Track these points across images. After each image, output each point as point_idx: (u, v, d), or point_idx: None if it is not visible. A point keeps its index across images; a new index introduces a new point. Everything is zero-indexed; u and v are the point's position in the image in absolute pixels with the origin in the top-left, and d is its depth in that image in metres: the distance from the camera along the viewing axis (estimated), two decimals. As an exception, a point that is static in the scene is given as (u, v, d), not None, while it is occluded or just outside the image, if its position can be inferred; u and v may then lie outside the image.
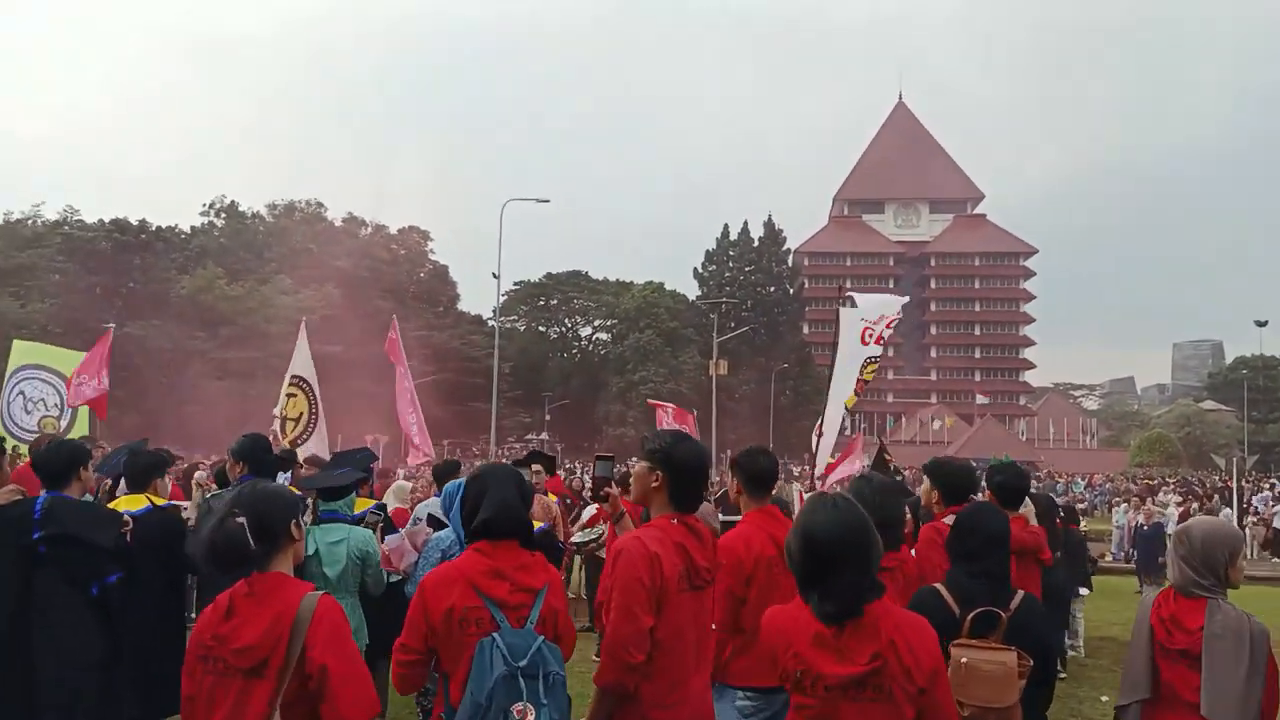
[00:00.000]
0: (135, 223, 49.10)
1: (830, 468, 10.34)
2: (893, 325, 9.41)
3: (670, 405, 15.39)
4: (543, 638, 2.84)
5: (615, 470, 4.09)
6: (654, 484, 3.25)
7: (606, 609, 3.05)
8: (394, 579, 5.02)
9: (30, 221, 42.05)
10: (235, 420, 43.50)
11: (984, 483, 5.45)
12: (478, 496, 3.04)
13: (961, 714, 3.06)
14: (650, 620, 3.01)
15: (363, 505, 5.55)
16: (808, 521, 2.69)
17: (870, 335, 9.42)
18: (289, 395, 11.67)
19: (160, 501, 5.11)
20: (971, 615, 3.31)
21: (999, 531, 3.60)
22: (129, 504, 4.92)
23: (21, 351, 13.45)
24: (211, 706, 2.60)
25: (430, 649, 2.89)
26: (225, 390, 45.56)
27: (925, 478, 4.98)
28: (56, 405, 12.98)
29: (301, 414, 11.56)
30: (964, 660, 3.21)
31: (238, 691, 2.58)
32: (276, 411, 11.57)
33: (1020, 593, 3.53)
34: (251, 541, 2.65)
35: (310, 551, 4.73)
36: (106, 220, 48.34)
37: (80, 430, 13.16)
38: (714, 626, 3.50)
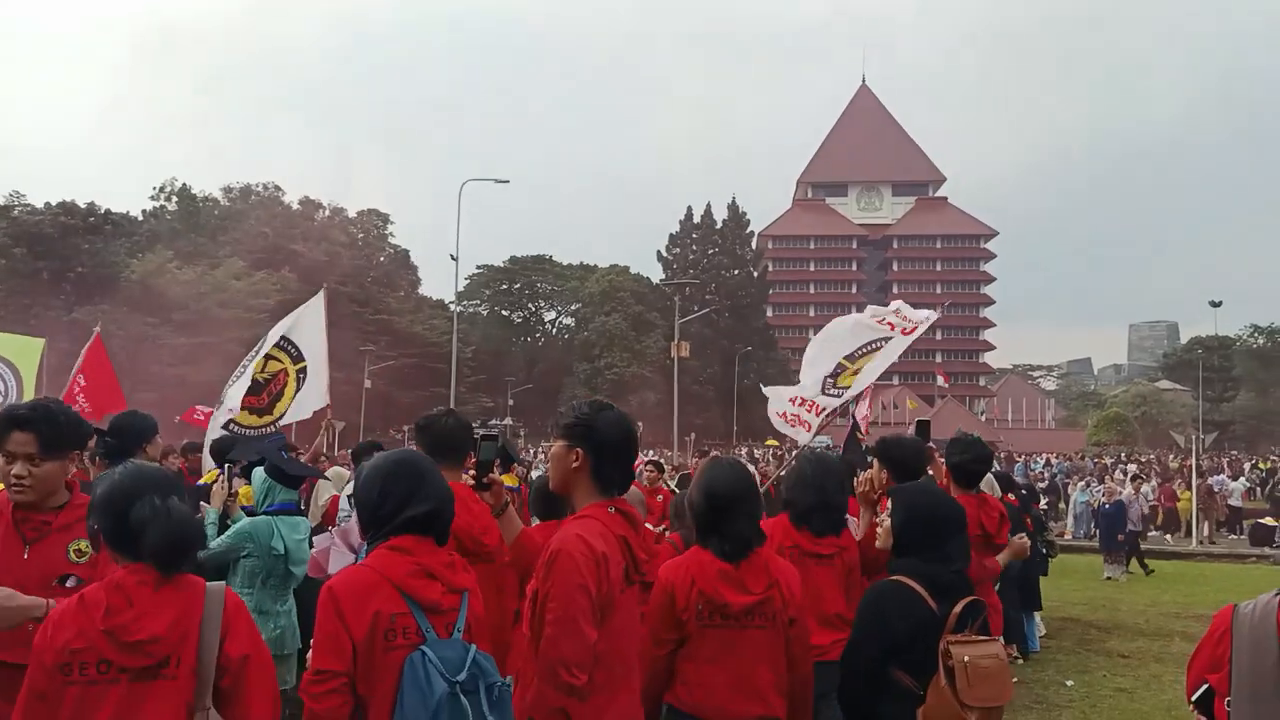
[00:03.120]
0: (84, 206, 47.78)
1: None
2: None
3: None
4: (474, 646, 2.46)
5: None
6: (574, 464, 2.76)
7: (533, 622, 2.59)
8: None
9: (-27, 205, 40.82)
10: (187, 407, 42.83)
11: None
12: (410, 484, 2.55)
13: (968, 718, 2.80)
14: (595, 634, 2.56)
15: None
16: (709, 477, 3.21)
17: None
18: (269, 357, 9.61)
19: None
20: (961, 607, 2.93)
21: (957, 513, 3.25)
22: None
23: (-34, 339, 12.95)
24: None
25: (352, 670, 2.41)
26: (177, 377, 44.60)
27: (873, 458, 4.66)
28: (2, 392, 12.56)
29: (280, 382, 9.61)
30: (966, 659, 2.83)
31: (117, 701, 2.18)
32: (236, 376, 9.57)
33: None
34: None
35: (280, 550, 4.38)
36: (53, 203, 47.02)
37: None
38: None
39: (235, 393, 8.46)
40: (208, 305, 46.54)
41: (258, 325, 49.56)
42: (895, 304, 8.47)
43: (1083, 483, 26.28)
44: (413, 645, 2.38)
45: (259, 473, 4.71)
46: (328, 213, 69.61)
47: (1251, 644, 2.45)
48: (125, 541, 2.32)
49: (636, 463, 14.29)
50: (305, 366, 9.18)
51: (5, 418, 2.93)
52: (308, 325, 9.57)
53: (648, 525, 7.22)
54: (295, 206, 66.80)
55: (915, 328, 8.27)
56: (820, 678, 3.79)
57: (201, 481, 6.58)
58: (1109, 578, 15.82)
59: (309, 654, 2.46)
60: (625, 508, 2.79)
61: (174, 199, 62.24)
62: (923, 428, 5.23)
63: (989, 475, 7.19)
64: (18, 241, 43.15)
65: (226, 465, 5.65)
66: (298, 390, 8.89)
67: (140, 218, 56.42)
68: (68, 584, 2.78)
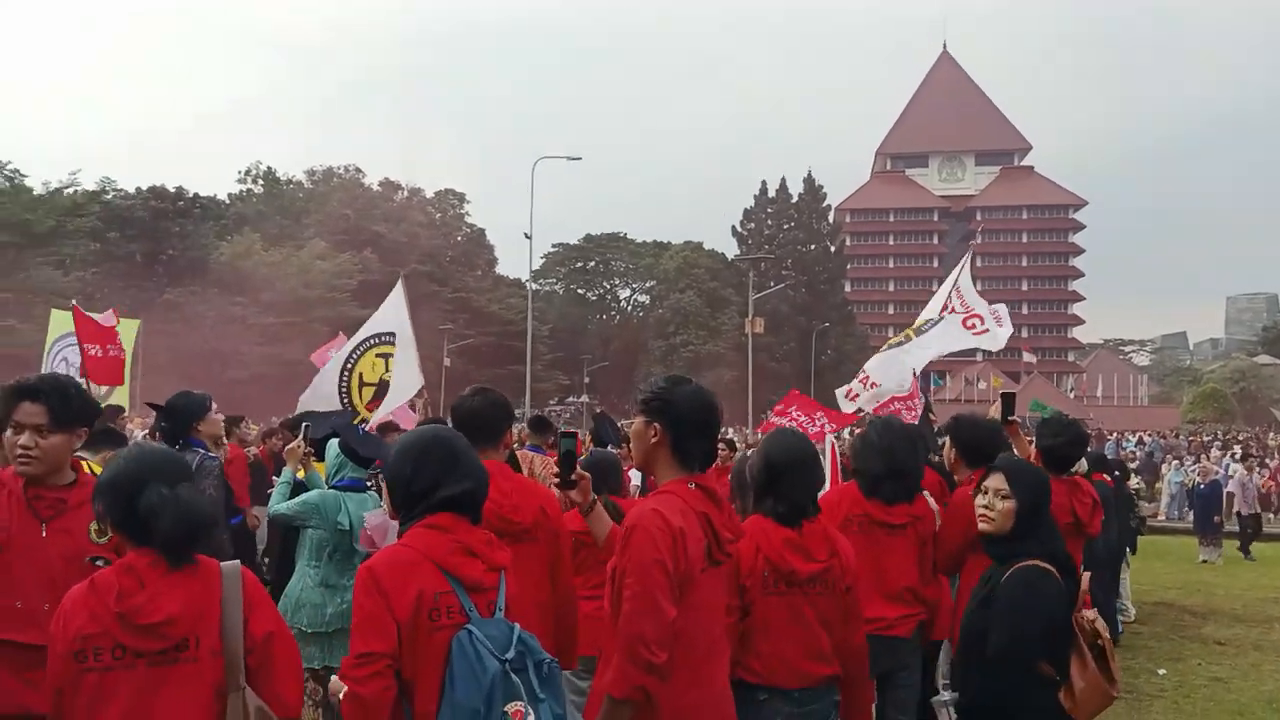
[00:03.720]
0: (173, 190, 49.40)
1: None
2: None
3: None
4: (517, 625, 2.39)
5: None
6: (653, 439, 2.70)
7: (614, 600, 2.55)
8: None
9: (68, 190, 42.31)
10: (276, 386, 44.14)
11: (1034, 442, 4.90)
12: (444, 462, 2.48)
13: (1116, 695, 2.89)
14: (674, 611, 2.50)
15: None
16: (768, 444, 3.32)
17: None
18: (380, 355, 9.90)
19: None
20: (1087, 581, 3.03)
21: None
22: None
23: (60, 320, 13.47)
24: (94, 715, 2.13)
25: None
26: (267, 356, 45.96)
27: (946, 438, 4.46)
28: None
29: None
30: (1106, 636, 2.91)
31: (136, 686, 2.13)
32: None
33: None
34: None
35: (345, 525, 4.35)
36: (143, 188, 48.69)
37: (121, 395, 13.18)
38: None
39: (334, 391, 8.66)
40: (293, 285, 47.83)
41: (341, 305, 50.89)
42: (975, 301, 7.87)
43: (1176, 461, 25.22)
44: (457, 625, 2.31)
45: (333, 446, 4.71)
46: (406, 193, 70.78)
47: None
48: (134, 528, 2.25)
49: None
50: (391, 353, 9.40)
51: (15, 389, 2.86)
52: (393, 315, 9.70)
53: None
54: (375, 188, 68.09)
55: (976, 323, 7.74)
56: (884, 654, 3.66)
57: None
58: (1204, 560, 15.15)
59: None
60: (708, 484, 2.71)
61: (259, 182, 63.93)
62: (1008, 402, 4.83)
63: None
64: (110, 225, 44.78)
65: (305, 426, 5.68)
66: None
67: (227, 201, 58.06)
68: (98, 564, 2.70)
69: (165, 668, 2.16)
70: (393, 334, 9.41)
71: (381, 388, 8.90)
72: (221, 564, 2.31)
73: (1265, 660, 7.83)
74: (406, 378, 8.95)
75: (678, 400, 2.70)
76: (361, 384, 9.07)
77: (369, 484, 4.78)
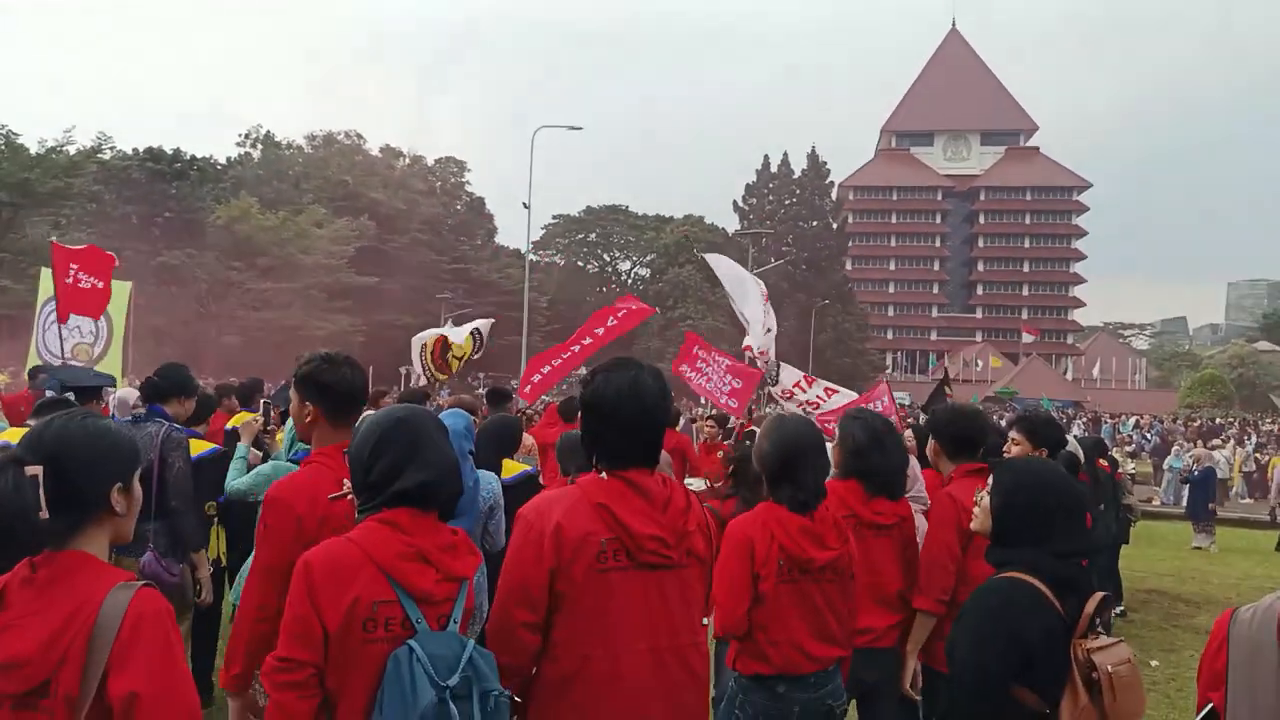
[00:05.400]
0: (170, 151, 48.86)
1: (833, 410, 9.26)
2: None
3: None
4: (472, 642, 2.15)
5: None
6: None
7: None
8: None
9: (65, 149, 41.81)
10: (271, 351, 43.96)
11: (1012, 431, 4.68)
12: (404, 451, 2.25)
13: None
14: (526, 615, 2.29)
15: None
16: (779, 431, 3.21)
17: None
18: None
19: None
20: (1094, 605, 2.42)
21: (1072, 494, 2.64)
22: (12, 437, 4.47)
23: (49, 280, 13.29)
24: None
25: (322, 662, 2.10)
26: (262, 321, 45.70)
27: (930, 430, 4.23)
28: (91, 333, 12.86)
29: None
30: (1110, 668, 2.33)
31: None
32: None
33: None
34: (44, 508, 1.74)
35: None
36: (140, 150, 48.16)
37: (113, 360, 13.03)
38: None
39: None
40: (290, 251, 47.47)
41: (337, 271, 50.62)
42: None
43: (1176, 447, 25.16)
44: (395, 638, 2.08)
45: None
46: (408, 160, 70.21)
47: (1250, 655, 2.06)
48: None
49: (699, 419, 14.02)
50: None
51: None
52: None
53: (707, 482, 6.91)
54: (376, 154, 67.52)
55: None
56: (874, 665, 3.48)
57: (230, 425, 6.53)
58: (1197, 547, 15.07)
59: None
60: (633, 476, 2.41)
61: (259, 146, 63.35)
62: (939, 394, 4.67)
63: (1071, 440, 6.66)
64: (107, 186, 44.34)
65: (265, 404, 5.56)
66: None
67: (225, 164, 57.56)
68: None
69: (26, 714, 1.72)
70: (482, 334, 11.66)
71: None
72: (113, 587, 1.78)
73: (1259, 653, 7.71)
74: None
75: (594, 398, 2.47)
76: (450, 355, 11.19)
77: None
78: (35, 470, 1.75)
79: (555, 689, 2.32)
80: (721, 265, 10.91)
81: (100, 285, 11.09)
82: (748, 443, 5.84)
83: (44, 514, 1.74)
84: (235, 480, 4.43)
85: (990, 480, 2.71)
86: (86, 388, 5.92)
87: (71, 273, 10.68)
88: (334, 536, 2.23)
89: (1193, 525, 15.78)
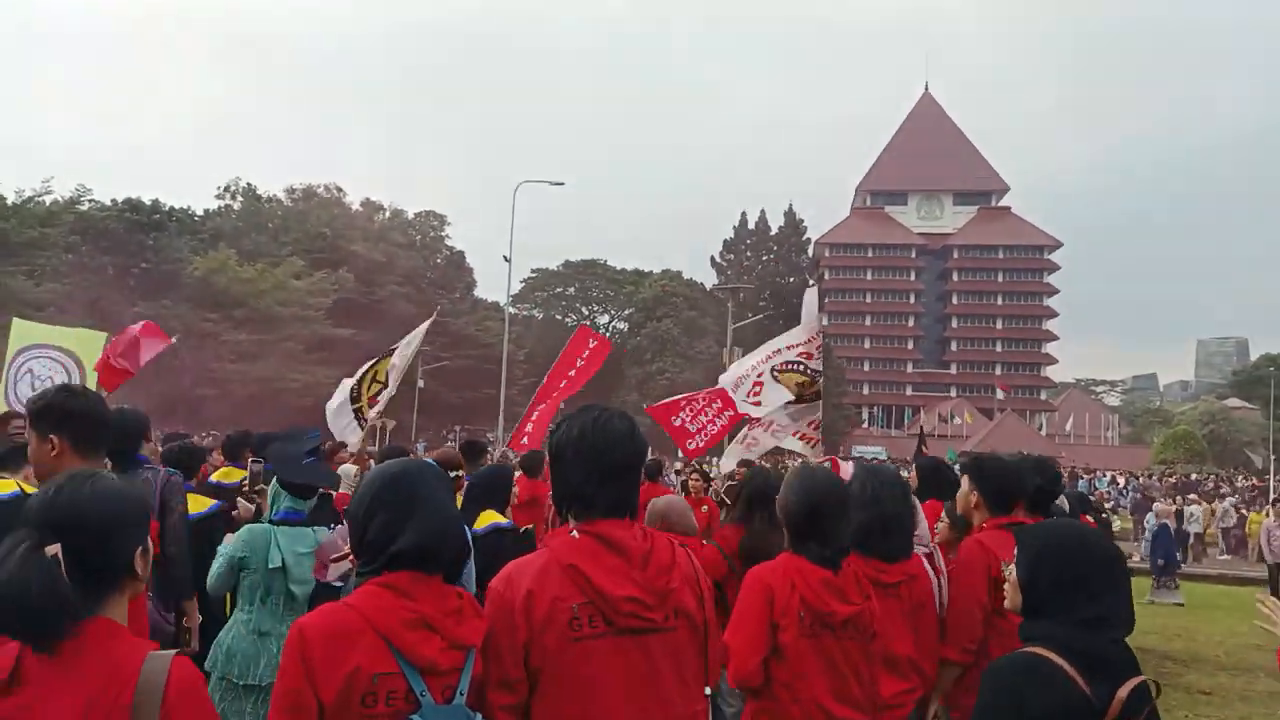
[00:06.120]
0: (149, 203, 48.74)
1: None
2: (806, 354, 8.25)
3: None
4: (479, 716, 2.00)
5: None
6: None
7: None
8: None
9: (42, 199, 41.62)
10: (246, 403, 43.49)
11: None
12: (400, 509, 2.08)
13: None
14: (506, 698, 2.10)
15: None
16: (808, 483, 3.08)
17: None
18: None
19: (30, 489, 4.54)
20: (1127, 691, 2.14)
21: (1111, 560, 2.36)
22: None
23: (22, 330, 13.17)
24: None
25: None
26: (238, 373, 45.25)
27: (964, 478, 4.00)
28: (65, 383, 12.73)
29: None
30: None
31: None
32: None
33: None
34: (67, 586, 1.64)
35: (275, 564, 3.89)
36: (119, 200, 48.03)
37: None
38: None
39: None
40: (268, 303, 47.22)
41: (315, 323, 50.39)
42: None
43: (1156, 504, 25.30)
44: (398, 713, 1.91)
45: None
46: (388, 214, 70.43)
47: None
48: None
49: (685, 472, 13.92)
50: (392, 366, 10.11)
51: None
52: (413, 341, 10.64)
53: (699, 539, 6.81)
54: (356, 208, 67.70)
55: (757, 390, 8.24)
56: None
57: (214, 479, 6.39)
58: (1151, 601, 14.92)
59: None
60: (604, 530, 2.22)
61: (238, 198, 63.35)
62: (918, 452, 4.58)
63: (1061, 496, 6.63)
64: (83, 236, 44.10)
65: (253, 462, 5.42)
66: (383, 389, 9.45)
67: (204, 216, 57.46)
68: None
69: None
70: (393, 349, 10.50)
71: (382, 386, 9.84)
72: (148, 657, 1.71)
73: (1254, 713, 7.67)
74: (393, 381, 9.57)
75: (558, 446, 2.33)
76: (373, 381, 9.92)
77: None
78: (54, 549, 1.65)
79: None
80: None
81: (129, 368, 11.54)
82: (763, 466, 5.75)
83: (67, 591, 1.64)
84: (213, 580, 4.08)
85: (1016, 547, 2.48)
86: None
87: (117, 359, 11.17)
88: (330, 602, 2.09)
89: (1154, 580, 15.68)
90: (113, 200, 48.33)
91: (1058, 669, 2.16)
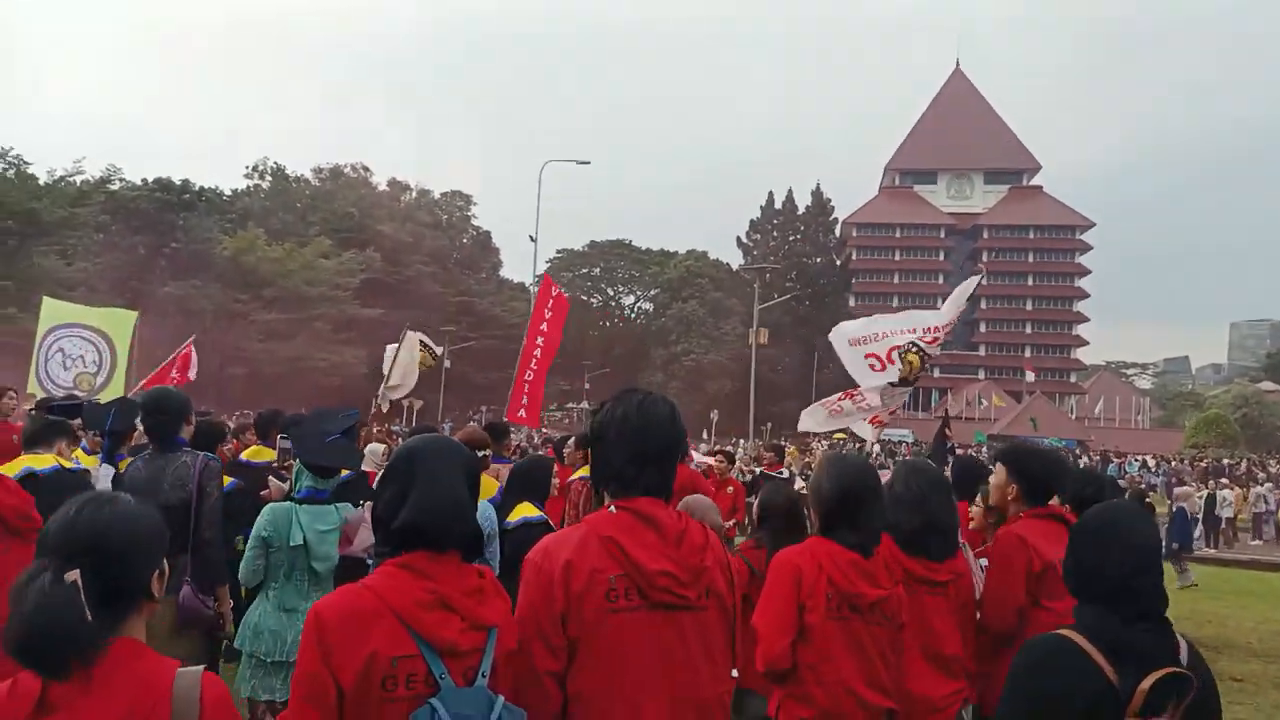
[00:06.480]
0: (178, 182, 49.17)
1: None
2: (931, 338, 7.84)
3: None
4: (502, 698, 1.95)
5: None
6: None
7: None
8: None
9: (73, 179, 42.07)
10: (274, 382, 43.90)
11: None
12: (406, 481, 2.06)
13: None
14: (551, 664, 2.13)
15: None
16: (839, 471, 3.06)
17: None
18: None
19: (68, 464, 4.55)
20: (1151, 681, 2.07)
21: (1153, 546, 2.31)
22: (34, 463, 4.32)
23: (52, 309, 13.33)
24: None
25: None
26: (266, 352, 45.70)
27: (1000, 467, 3.81)
28: (95, 362, 12.89)
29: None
30: None
31: None
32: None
33: (1183, 639, 2.23)
34: (87, 612, 1.63)
35: (297, 542, 3.96)
36: (149, 180, 48.45)
37: (115, 389, 12.99)
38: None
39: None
40: (296, 283, 47.63)
41: (342, 303, 50.73)
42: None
43: (1185, 487, 24.99)
44: (418, 696, 1.88)
45: None
46: (414, 194, 70.67)
47: None
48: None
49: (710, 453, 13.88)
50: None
51: None
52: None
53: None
54: (383, 188, 67.97)
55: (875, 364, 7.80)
56: None
57: (244, 457, 6.41)
58: (1181, 586, 14.74)
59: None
60: (644, 507, 2.26)
61: (267, 178, 63.75)
62: (940, 436, 4.44)
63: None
64: (114, 216, 44.57)
65: (281, 439, 5.40)
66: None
67: (233, 195, 57.91)
68: None
69: None
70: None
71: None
72: (178, 675, 1.72)
73: (1287, 700, 7.53)
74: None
75: (600, 425, 2.38)
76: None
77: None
78: (74, 575, 1.65)
79: None
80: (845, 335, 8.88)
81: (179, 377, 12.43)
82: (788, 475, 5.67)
83: (88, 617, 1.64)
84: (244, 571, 4.15)
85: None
86: (68, 408, 5.68)
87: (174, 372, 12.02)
88: (349, 584, 2.06)
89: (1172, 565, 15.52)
90: (143, 180, 48.82)
91: (1081, 653, 2.15)
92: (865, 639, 2.91)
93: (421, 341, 12.14)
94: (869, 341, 7.81)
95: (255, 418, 7.98)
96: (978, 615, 3.56)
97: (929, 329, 7.63)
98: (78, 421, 5.40)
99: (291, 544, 3.97)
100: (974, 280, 8.29)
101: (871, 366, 7.75)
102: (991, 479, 3.94)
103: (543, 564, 2.17)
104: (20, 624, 1.60)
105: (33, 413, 6.53)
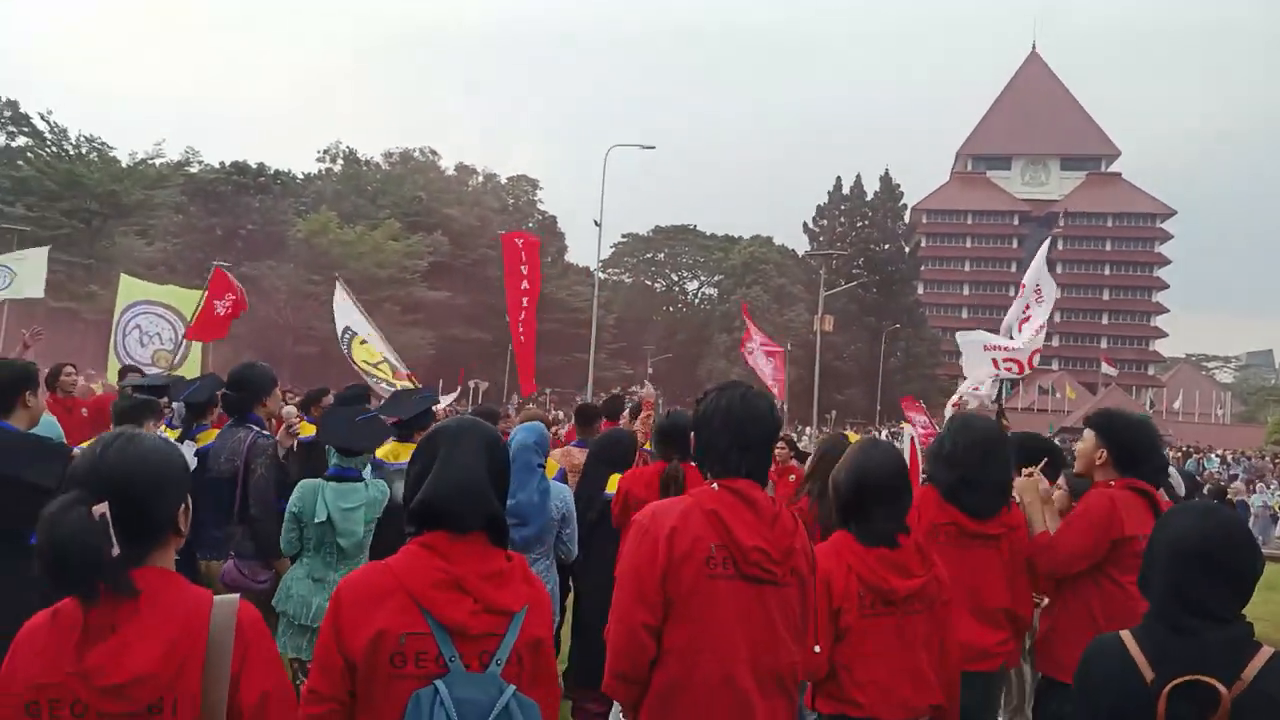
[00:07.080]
0: (254, 165, 50.44)
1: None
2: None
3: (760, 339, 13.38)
4: (513, 688, 1.91)
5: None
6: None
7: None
8: None
9: (153, 161, 43.44)
10: (343, 362, 44.73)
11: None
12: (428, 462, 2.08)
13: None
14: (646, 617, 2.36)
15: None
16: (859, 461, 2.96)
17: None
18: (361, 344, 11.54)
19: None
20: (1168, 688, 2.01)
21: (1210, 548, 2.13)
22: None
23: (129, 287, 13.73)
24: None
25: (351, 694, 1.94)
26: (334, 332, 46.67)
27: (1090, 433, 3.70)
28: (171, 339, 13.23)
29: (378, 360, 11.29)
30: None
31: None
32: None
33: (1268, 651, 2.05)
34: (115, 544, 1.69)
35: (321, 518, 4.09)
36: (226, 163, 49.80)
37: (192, 365, 13.36)
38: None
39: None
40: (366, 265, 48.50)
41: (410, 285, 51.59)
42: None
43: (1260, 484, 24.15)
44: (428, 675, 1.88)
45: None
46: (481, 178, 71.39)
47: None
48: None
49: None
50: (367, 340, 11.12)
51: None
52: (343, 314, 11.06)
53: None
54: (451, 172, 68.78)
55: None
56: (972, 692, 3.19)
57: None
58: None
59: None
60: (741, 486, 2.49)
61: (339, 161, 64.99)
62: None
63: (1173, 473, 6.31)
64: (193, 198, 45.87)
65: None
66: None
67: (305, 179, 59.16)
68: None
69: None
70: (348, 328, 11.09)
71: (386, 362, 10.67)
72: (215, 600, 1.81)
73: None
74: (389, 353, 10.65)
75: (705, 412, 2.61)
76: (375, 366, 10.63)
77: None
78: (102, 508, 1.71)
79: (664, 697, 2.36)
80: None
81: (230, 312, 12.26)
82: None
83: (115, 550, 1.70)
84: (284, 542, 4.31)
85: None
86: (156, 387, 5.85)
87: (225, 301, 11.76)
88: (373, 561, 2.12)
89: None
90: (220, 163, 50.12)
91: (1123, 652, 2.15)
92: (905, 631, 2.86)
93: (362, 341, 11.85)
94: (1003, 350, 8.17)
95: (304, 395, 8.13)
96: (1037, 559, 3.53)
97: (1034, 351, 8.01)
98: (164, 400, 5.54)
99: (316, 520, 4.10)
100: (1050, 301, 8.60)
101: (1008, 369, 8.08)
102: (1079, 445, 3.83)
103: (650, 526, 2.41)
104: (51, 550, 1.67)
105: (124, 389, 6.72)
